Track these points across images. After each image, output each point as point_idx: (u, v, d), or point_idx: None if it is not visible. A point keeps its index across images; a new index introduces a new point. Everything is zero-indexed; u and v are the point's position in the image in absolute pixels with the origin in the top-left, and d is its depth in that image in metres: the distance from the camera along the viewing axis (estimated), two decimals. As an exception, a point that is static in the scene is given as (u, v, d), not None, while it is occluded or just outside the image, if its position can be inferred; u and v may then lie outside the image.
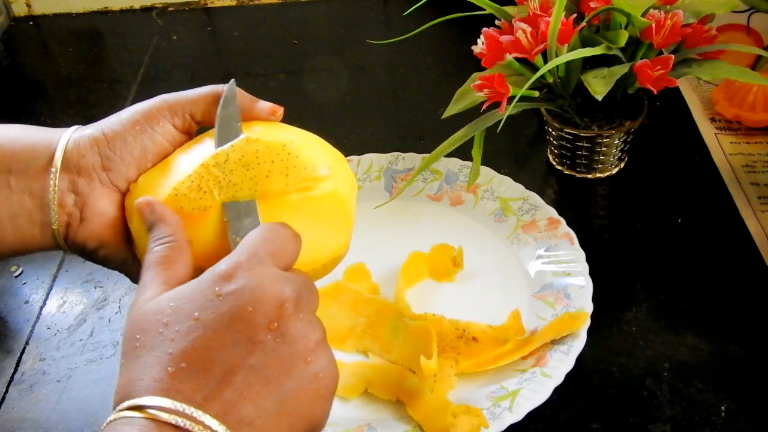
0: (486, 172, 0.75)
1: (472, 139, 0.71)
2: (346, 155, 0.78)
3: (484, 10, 0.71)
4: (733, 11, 0.79)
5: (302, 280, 0.42)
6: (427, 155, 0.74)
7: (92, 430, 0.61)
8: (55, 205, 0.47)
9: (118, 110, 0.50)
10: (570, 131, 0.75)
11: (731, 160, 0.79)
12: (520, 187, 0.74)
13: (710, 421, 0.58)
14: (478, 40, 0.68)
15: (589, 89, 0.64)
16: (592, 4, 0.67)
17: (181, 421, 0.36)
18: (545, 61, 0.65)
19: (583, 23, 0.67)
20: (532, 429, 0.58)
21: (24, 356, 0.67)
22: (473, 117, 0.71)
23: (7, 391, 0.64)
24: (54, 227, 0.47)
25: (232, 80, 0.51)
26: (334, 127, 0.89)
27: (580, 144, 0.75)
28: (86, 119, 0.51)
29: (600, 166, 0.77)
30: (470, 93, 0.69)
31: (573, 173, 0.79)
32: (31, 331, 0.69)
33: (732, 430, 0.57)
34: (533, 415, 0.57)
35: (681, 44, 0.69)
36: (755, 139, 0.81)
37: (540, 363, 0.60)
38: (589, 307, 0.63)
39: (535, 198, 0.73)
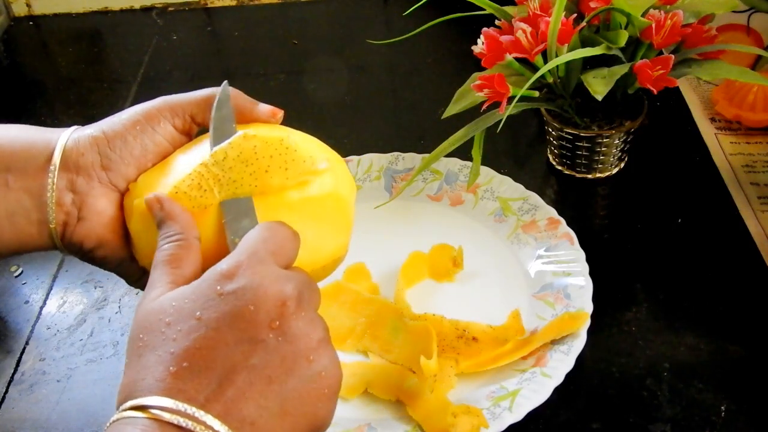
0: (486, 172, 0.75)
1: (472, 139, 0.71)
2: (346, 155, 0.79)
3: (484, 10, 0.71)
4: (733, 11, 0.79)
5: (303, 279, 0.42)
6: (427, 155, 0.74)
7: (92, 430, 0.61)
8: (53, 204, 0.47)
9: (118, 110, 0.50)
10: (570, 131, 0.75)
11: (731, 160, 0.79)
12: (520, 187, 0.74)
13: (710, 421, 0.58)
14: (478, 40, 0.68)
15: (589, 89, 0.64)
16: (592, 4, 0.67)
17: (183, 421, 0.36)
18: (545, 61, 0.65)
19: (583, 23, 0.67)
20: (532, 429, 0.58)
21: (24, 356, 0.67)
22: (473, 117, 0.71)
23: (7, 391, 0.64)
24: (51, 226, 0.47)
25: (225, 82, 0.51)
26: (334, 127, 0.89)
27: (580, 144, 0.75)
28: (86, 119, 0.51)
29: (600, 166, 0.77)
30: (470, 93, 0.69)
31: (573, 173, 0.79)
32: (31, 331, 0.69)
33: (732, 430, 0.57)
34: (533, 415, 0.57)
35: (681, 44, 0.69)
36: (755, 139, 0.81)
37: (540, 363, 0.60)
38: (589, 307, 0.63)
39: (535, 198, 0.73)
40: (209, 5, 1.11)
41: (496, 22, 0.71)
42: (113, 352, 0.66)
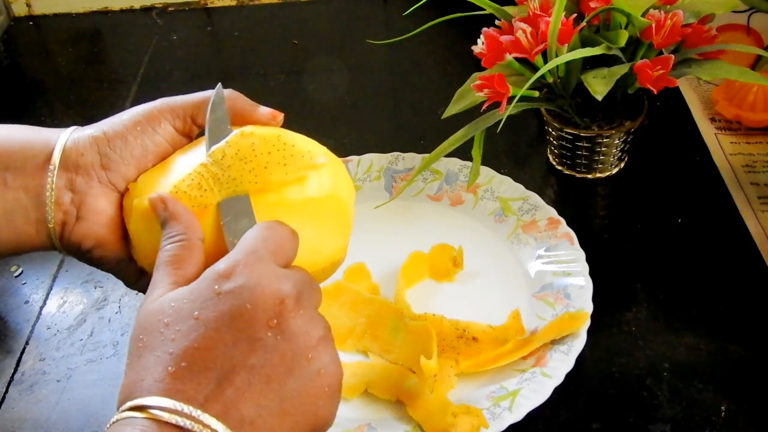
0: (486, 172, 0.75)
1: (472, 139, 0.71)
2: (346, 155, 0.79)
3: (484, 10, 0.71)
4: (733, 11, 0.79)
5: (303, 277, 0.42)
6: (427, 155, 0.74)
7: (92, 430, 0.61)
8: (51, 203, 0.46)
9: (118, 110, 0.50)
10: (570, 131, 0.75)
11: (731, 160, 0.79)
12: (520, 187, 0.74)
13: (710, 421, 0.58)
14: (478, 40, 0.68)
15: (589, 89, 0.64)
16: (592, 4, 0.67)
17: (182, 421, 0.36)
18: (545, 61, 0.65)
19: (583, 23, 0.67)
20: (532, 429, 0.58)
21: (24, 356, 0.67)
22: (473, 117, 0.71)
23: (7, 391, 0.64)
24: (50, 225, 0.47)
25: (219, 84, 0.50)
26: (334, 127, 0.89)
27: (580, 144, 0.75)
28: (86, 119, 0.51)
29: (600, 166, 0.77)
30: (470, 93, 0.69)
31: (573, 173, 0.79)
32: (31, 331, 0.69)
33: (732, 430, 0.57)
34: (533, 415, 0.57)
35: (681, 44, 0.69)
36: (755, 139, 0.81)
37: (540, 363, 0.60)
38: (589, 307, 0.63)
39: (535, 198, 0.73)
40: (209, 5, 1.11)
41: (496, 22, 0.71)
42: (113, 352, 0.66)
